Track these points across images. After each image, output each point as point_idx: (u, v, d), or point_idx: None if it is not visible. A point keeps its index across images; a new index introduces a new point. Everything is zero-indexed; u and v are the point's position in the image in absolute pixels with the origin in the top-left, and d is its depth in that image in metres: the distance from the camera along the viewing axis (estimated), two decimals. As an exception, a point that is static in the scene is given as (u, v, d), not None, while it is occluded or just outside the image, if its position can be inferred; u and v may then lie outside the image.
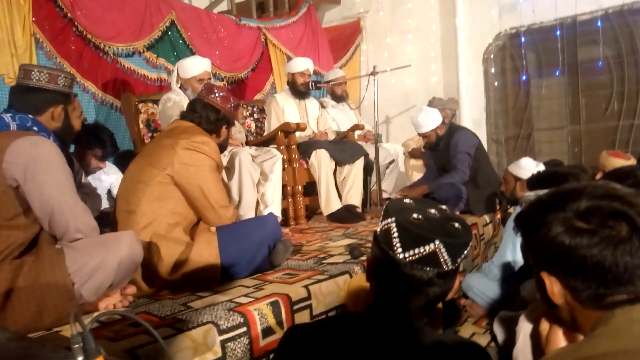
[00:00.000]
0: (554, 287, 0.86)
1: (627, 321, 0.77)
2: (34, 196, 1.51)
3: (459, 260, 1.00)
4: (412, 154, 4.58)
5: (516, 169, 2.95)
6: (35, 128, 1.70)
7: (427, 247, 0.96)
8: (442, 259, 0.97)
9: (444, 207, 1.06)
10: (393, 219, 0.99)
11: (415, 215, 0.99)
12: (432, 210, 1.02)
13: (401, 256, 0.97)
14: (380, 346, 0.96)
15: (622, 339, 0.75)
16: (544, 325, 0.99)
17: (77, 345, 0.70)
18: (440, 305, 1.11)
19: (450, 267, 0.98)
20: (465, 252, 1.01)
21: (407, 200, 1.06)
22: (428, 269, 0.97)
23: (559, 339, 0.95)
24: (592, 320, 0.82)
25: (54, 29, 3.24)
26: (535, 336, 1.27)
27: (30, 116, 1.73)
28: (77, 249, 1.53)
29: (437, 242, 0.96)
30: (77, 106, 2.16)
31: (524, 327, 1.34)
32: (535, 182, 2.43)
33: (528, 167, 2.86)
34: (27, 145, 1.54)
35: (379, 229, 1.04)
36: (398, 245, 0.98)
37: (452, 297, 1.08)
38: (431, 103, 4.38)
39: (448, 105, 4.35)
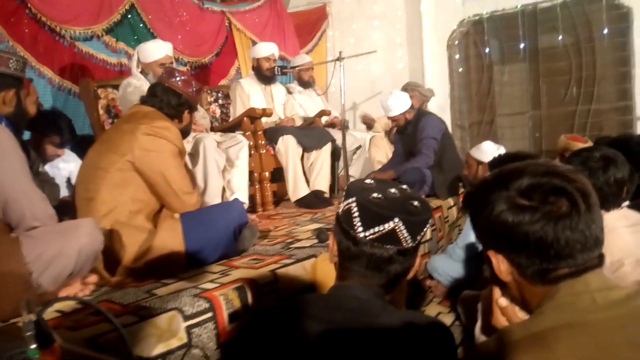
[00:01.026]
0: (501, 265, 0.88)
1: (571, 294, 0.80)
2: (-15, 183, 1.45)
3: (418, 237, 1.01)
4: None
5: (478, 153, 3.01)
6: (-15, 113, 1.63)
7: (386, 225, 0.97)
8: (401, 237, 0.98)
9: (404, 186, 1.07)
10: (354, 198, 1.00)
11: (375, 195, 1.00)
12: (393, 190, 1.03)
13: (362, 235, 0.98)
14: (344, 325, 0.96)
15: (567, 313, 0.78)
16: (502, 302, 1.01)
17: (29, 333, 0.68)
18: (403, 285, 1.13)
19: (410, 245, 1.00)
20: (425, 229, 1.02)
21: (368, 181, 1.07)
22: (388, 246, 0.98)
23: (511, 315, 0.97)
24: (538, 295, 0.84)
25: (5, 10, 3.09)
26: (487, 313, 1.31)
27: (-20, 101, 1.66)
28: (34, 237, 1.48)
29: (396, 219, 0.97)
30: (33, 91, 2.07)
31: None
32: (496, 164, 2.48)
33: (489, 150, 2.92)
34: (-23, 130, 1.48)
35: (340, 210, 1.05)
36: (359, 224, 0.98)
37: (414, 275, 1.09)
38: (408, 84, 4.39)
39: (419, 89, 4.37)
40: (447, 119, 5.16)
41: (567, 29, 4.82)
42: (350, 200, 1.01)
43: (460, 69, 5.34)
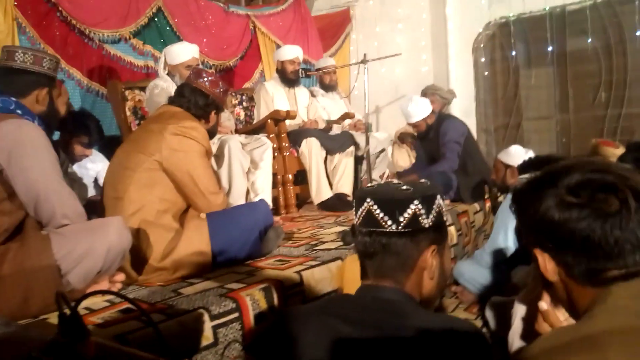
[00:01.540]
0: (547, 264, 0.85)
1: (625, 298, 0.76)
2: (18, 181, 1.47)
3: (402, 220, 0.97)
4: (401, 138, 4.59)
5: (506, 157, 2.95)
6: (19, 111, 1.64)
7: (362, 207, 1.01)
8: (378, 217, 0.99)
9: (422, 180, 1.09)
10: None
11: (369, 184, 1.08)
12: (395, 181, 1.07)
13: (355, 222, 1.04)
14: (374, 326, 0.94)
15: (621, 317, 0.74)
16: (543, 306, 0.97)
17: (64, 326, 0.68)
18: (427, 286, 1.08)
19: (392, 227, 0.98)
20: (409, 210, 0.98)
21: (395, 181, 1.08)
22: (371, 229, 1.00)
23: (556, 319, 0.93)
24: (588, 297, 0.81)
25: (37, 13, 3.17)
26: (528, 318, 1.27)
27: (14, 99, 1.67)
28: (64, 235, 1.50)
29: (368, 200, 1.00)
30: (64, 92, 2.10)
31: (519, 310, 1.34)
32: (527, 167, 2.43)
33: (517, 154, 2.86)
34: (11, 128, 1.50)
35: None
36: (354, 213, 1.05)
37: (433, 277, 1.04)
38: (427, 88, 4.35)
39: (440, 92, 4.31)
40: (472, 122, 5.09)
41: (597, 31, 4.70)
42: None
43: (486, 73, 5.26)
